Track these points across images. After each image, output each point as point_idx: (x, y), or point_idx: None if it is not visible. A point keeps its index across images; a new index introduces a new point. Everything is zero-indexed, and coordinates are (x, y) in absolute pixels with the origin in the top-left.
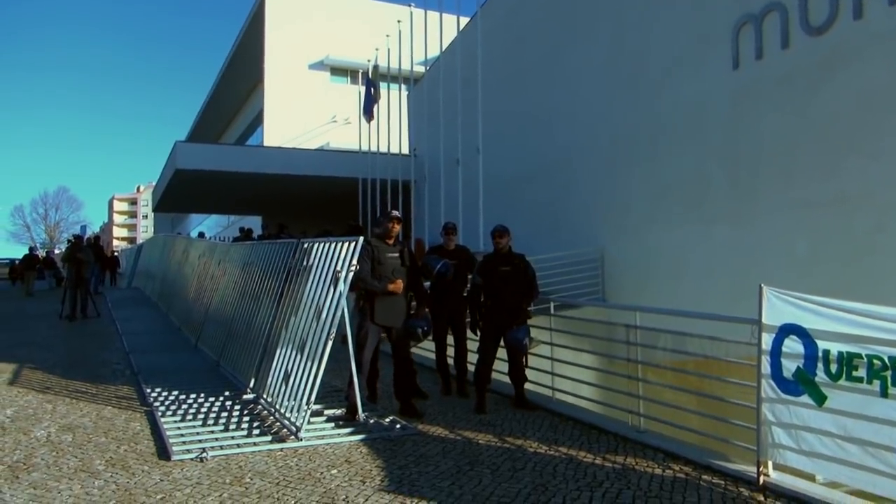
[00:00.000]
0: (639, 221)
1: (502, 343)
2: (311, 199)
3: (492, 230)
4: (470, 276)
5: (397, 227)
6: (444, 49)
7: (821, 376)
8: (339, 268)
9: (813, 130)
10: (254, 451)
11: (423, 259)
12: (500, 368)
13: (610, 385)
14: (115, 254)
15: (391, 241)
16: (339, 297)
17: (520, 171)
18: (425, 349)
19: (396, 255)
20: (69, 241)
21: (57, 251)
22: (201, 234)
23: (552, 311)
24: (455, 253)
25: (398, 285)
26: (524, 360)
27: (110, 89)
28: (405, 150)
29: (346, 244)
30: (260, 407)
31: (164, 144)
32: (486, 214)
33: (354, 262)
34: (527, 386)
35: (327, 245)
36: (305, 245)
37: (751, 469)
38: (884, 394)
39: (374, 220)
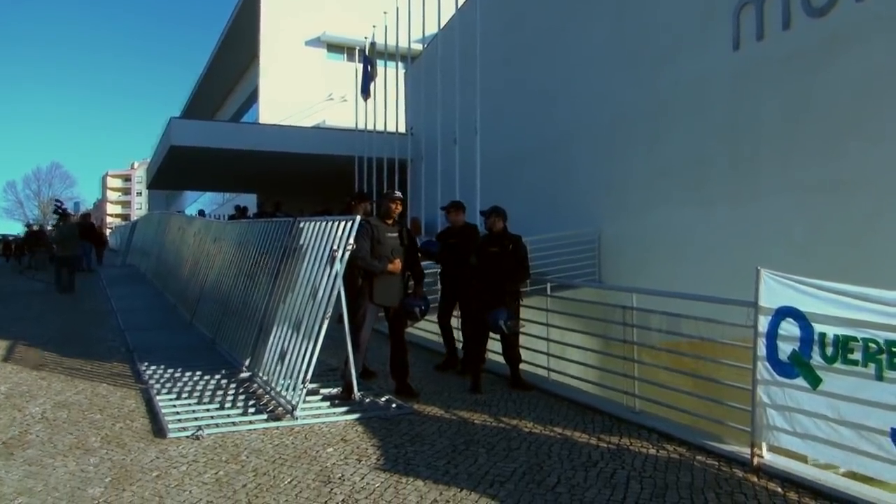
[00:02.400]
0: (638, 202)
1: None
2: (307, 176)
3: (480, 210)
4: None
5: (399, 208)
6: (442, 27)
7: (816, 359)
8: (335, 247)
9: (813, 112)
10: (250, 430)
11: (422, 245)
12: (498, 349)
13: (606, 366)
14: (100, 228)
15: (391, 222)
16: (335, 277)
17: (518, 150)
18: (421, 329)
19: (396, 234)
20: (56, 212)
21: (49, 227)
22: (201, 213)
23: (549, 291)
24: (461, 231)
25: (397, 265)
26: (515, 339)
27: (103, 66)
28: (402, 129)
29: (342, 223)
30: (256, 385)
31: (159, 121)
32: (483, 195)
33: (351, 241)
34: (522, 366)
35: (324, 224)
36: (301, 224)
37: (745, 450)
38: (879, 377)
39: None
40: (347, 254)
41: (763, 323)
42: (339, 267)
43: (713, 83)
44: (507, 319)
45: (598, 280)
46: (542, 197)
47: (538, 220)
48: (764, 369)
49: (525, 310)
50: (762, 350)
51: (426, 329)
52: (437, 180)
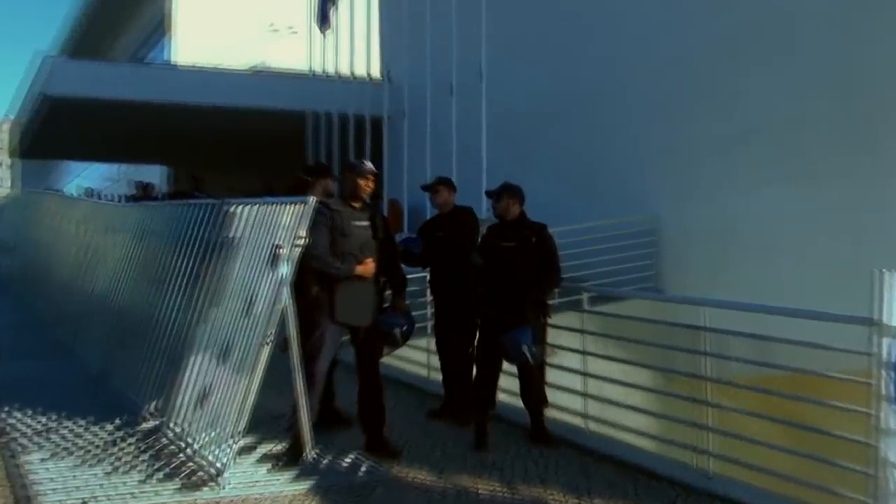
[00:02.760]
0: (711, 179)
1: None
2: (240, 141)
3: (487, 190)
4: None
5: (371, 186)
6: None
7: None
8: (280, 242)
9: None
10: None
11: (400, 245)
12: (513, 387)
13: (667, 412)
14: None
15: (358, 205)
16: (279, 285)
17: (539, 106)
18: (404, 358)
19: (366, 224)
20: None
21: None
22: (90, 192)
23: (585, 305)
24: (449, 219)
25: (369, 267)
26: (539, 374)
27: None
28: (375, 74)
29: (290, 207)
30: (165, 440)
31: (22, 65)
32: (490, 167)
33: (303, 232)
34: (548, 412)
35: (263, 208)
36: (231, 208)
37: None
38: None
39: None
40: (298, 251)
41: (889, 349)
42: (285, 270)
43: (811, 13)
44: (531, 344)
45: (656, 289)
46: (574, 171)
47: (568, 205)
48: (892, 414)
49: (552, 331)
50: (888, 387)
51: (411, 358)
52: (426, 146)
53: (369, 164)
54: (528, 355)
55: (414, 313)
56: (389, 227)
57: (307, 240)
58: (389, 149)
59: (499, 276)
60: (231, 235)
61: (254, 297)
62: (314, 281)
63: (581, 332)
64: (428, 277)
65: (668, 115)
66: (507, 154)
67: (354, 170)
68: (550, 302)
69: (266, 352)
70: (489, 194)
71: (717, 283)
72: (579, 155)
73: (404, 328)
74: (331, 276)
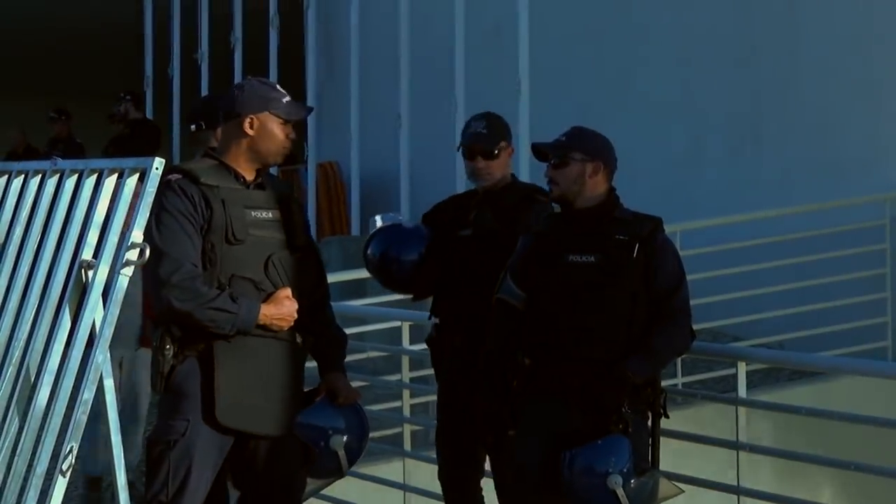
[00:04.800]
0: None
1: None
2: (17, 44)
3: (535, 144)
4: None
5: (289, 140)
6: None
7: None
8: (88, 257)
9: None
10: None
11: (378, 241)
12: None
13: None
14: None
15: (254, 178)
16: (89, 349)
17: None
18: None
19: (273, 215)
20: None
21: None
22: None
23: (742, 392)
24: (497, 204)
25: (284, 307)
26: None
27: None
28: None
29: (111, 180)
30: None
31: None
32: (539, 95)
33: (138, 236)
34: None
35: (51, 182)
36: None
37: None
38: None
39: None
40: (126, 277)
41: None
42: (100, 318)
43: None
44: (625, 472)
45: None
46: (732, 116)
47: (717, 180)
48: None
49: (671, 445)
50: None
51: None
52: (400, 50)
53: (277, 90)
54: (623, 499)
55: (383, 407)
56: (307, 221)
57: (148, 253)
58: (319, 57)
59: (560, 325)
60: None
61: (32, 376)
62: (167, 339)
63: (736, 446)
64: (432, 319)
65: None
66: (569, 67)
67: (256, 102)
68: (665, 387)
69: (59, 490)
70: (541, 151)
71: None
72: (738, 85)
73: (350, 437)
74: (205, 328)
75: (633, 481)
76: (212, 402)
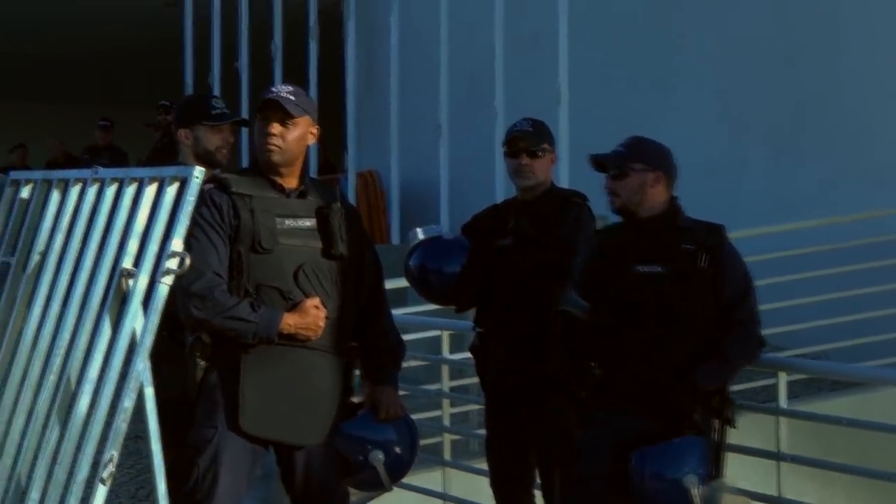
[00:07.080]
0: None
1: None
2: (49, 57)
3: (594, 156)
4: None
5: (309, 137)
6: None
7: None
8: (128, 266)
9: None
10: None
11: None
12: None
13: None
14: None
15: (293, 184)
16: (130, 355)
17: None
18: None
19: (310, 223)
20: None
21: None
22: None
23: (783, 397)
24: (538, 212)
25: (310, 317)
26: None
27: None
28: None
29: (152, 188)
30: None
31: None
32: (578, 103)
33: (179, 246)
34: None
35: (92, 191)
36: (27, 191)
37: None
38: None
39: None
40: (167, 285)
41: None
42: (139, 326)
43: None
44: (700, 477)
45: None
46: (795, 117)
47: (782, 188)
48: None
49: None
50: None
51: None
52: (441, 59)
53: (289, 92)
54: (696, 499)
55: (422, 416)
56: (363, 229)
57: (188, 264)
58: (359, 66)
59: (629, 335)
60: (33, 247)
61: (73, 385)
62: (199, 346)
63: (777, 457)
64: (476, 331)
65: None
66: (618, 74)
67: (289, 106)
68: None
69: (100, 498)
70: (601, 161)
71: None
72: (798, 84)
73: (394, 452)
74: (228, 337)
75: (706, 486)
76: (237, 410)
